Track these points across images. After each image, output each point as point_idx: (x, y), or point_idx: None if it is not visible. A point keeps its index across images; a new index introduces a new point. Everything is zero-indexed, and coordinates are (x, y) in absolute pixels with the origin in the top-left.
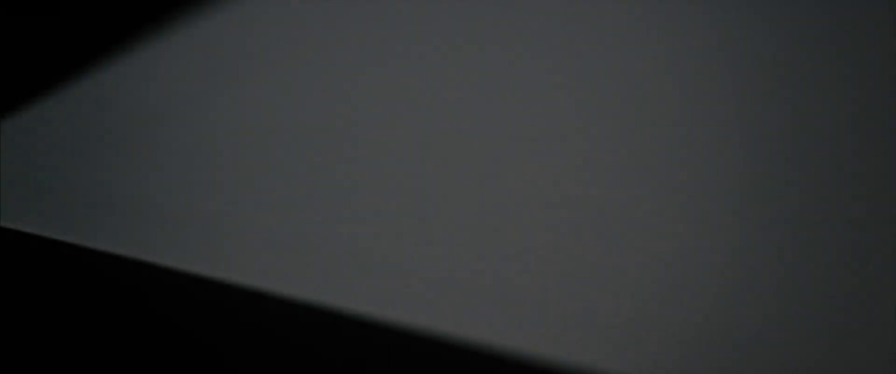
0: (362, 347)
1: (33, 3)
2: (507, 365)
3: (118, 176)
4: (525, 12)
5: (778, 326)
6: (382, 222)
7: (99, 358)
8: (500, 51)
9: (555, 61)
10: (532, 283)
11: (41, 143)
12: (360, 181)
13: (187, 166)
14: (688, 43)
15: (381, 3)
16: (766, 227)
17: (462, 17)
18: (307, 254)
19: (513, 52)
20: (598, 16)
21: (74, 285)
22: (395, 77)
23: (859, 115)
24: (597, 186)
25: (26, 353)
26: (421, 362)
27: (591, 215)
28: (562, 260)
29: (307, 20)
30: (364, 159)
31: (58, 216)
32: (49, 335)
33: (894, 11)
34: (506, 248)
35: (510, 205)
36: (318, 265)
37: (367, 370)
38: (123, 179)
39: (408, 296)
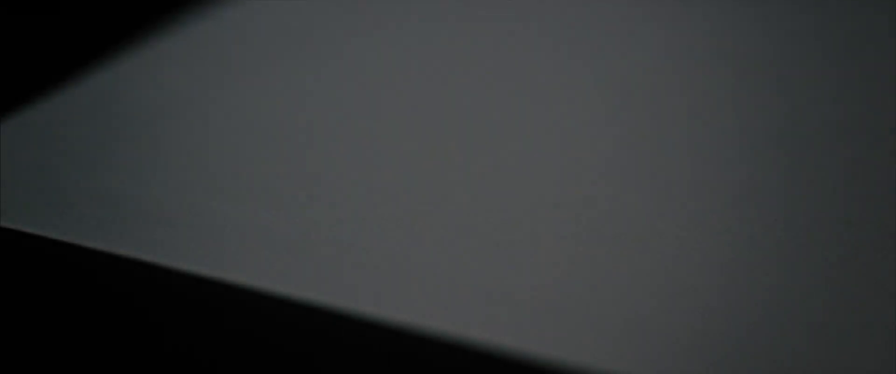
0: (362, 347)
1: (33, 3)
2: (507, 365)
3: (118, 176)
4: (525, 12)
5: (778, 326)
6: (382, 222)
7: (99, 358)
8: (500, 51)
9: (556, 62)
10: (532, 283)
11: (41, 143)
12: (360, 181)
13: (187, 166)
14: (689, 43)
15: (381, 3)
16: (767, 227)
17: (462, 18)
18: (307, 254)
19: (513, 53)
20: (598, 16)
21: (74, 285)
22: (396, 77)
23: (859, 115)
24: (597, 186)
25: (26, 353)
26: (421, 362)
27: (591, 215)
28: (562, 260)
29: (307, 20)
30: (364, 159)
31: (58, 216)
32: (49, 335)
33: (894, 11)
34: (506, 248)
35: (511, 205)
36: (318, 265)
37: (367, 370)
38: (123, 179)
39: (408, 296)
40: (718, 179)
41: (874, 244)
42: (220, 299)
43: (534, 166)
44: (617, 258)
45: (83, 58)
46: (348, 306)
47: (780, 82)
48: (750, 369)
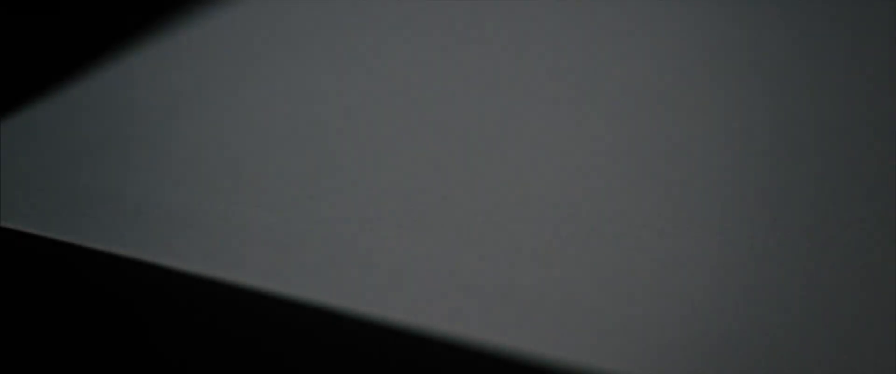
0: (362, 347)
1: (33, 3)
2: (508, 365)
3: (118, 176)
4: (525, 12)
5: (777, 326)
6: (382, 222)
7: (99, 358)
8: (501, 51)
9: (556, 62)
10: (532, 283)
11: (41, 143)
12: (360, 181)
13: (187, 166)
14: (689, 44)
15: (381, 3)
16: (767, 227)
17: (463, 18)
18: (307, 254)
19: (514, 53)
20: (598, 16)
21: (74, 285)
22: (396, 77)
23: (859, 115)
24: (597, 186)
25: (26, 353)
26: (421, 362)
27: (592, 215)
28: (562, 260)
29: (307, 20)
30: (364, 159)
31: (58, 216)
32: (49, 335)
33: (894, 11)
34: (506, 248)
35: (511, 205)
36: (318, 265)
37: (367, 370)
38: (124, 179)
39: (408, 296)
40: (718, 180)
41: (874, 244)
42: (219, 299)
43: (534, 166)
44: (617, 258)
45: (83, 58)
46: (348, 306)
47: (779, 82)
48: (749, 369)
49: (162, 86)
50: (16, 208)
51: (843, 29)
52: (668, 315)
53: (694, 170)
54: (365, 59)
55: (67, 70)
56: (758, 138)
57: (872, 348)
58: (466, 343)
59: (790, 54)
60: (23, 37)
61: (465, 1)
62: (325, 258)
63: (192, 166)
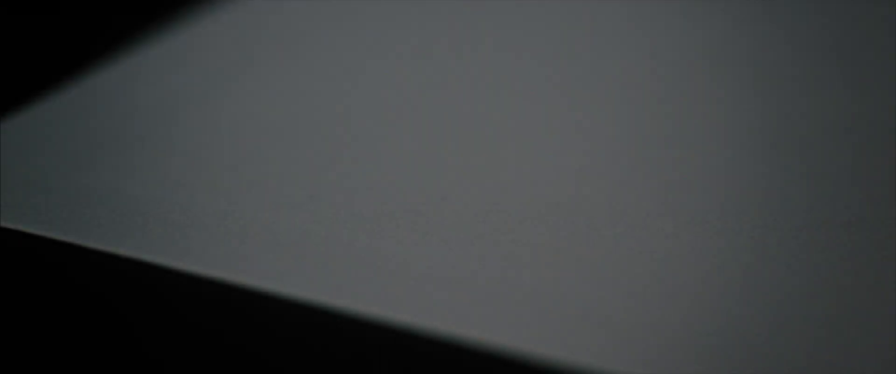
0: (362, 347)
1: (33, 3)
2: (507, 365)
3: (118, 176)
4: (525, 12)
5: (778, 326)
6: (382, 222)
7: (99, 358)
8: (500, 51)
9: (556, 61)
10: (532, 283)
11: (41, 143)
12: (360, 181)
13: (187, 166)
14: (689, 44)
15: (381, 3)
16: (767, 227)
17: (462, 18)
18: (307, 254)
19: (513, 53)
20: (598, 16)
21: (74, 285)
22: (396, 77)
23: (859, 115)
24: (597, 186)
25: (26, 353)
26: (421, 362)
27: (592, 215)
28: (562, 260)
29: (307, 20)
30: (364, 159)
31: (58, 216)
32: (49, 335)
33: (894, 11)
34: (506, 248)
35: (511, 205)
36: (318, 265)
37: (368, 370)
38: (123, 179)
39: (408, 296)
40: (718, 179)
41: (874, 244)
42: (219, 300)
43: (534, 166)
44: (617, 258)
45: (83, 58)
46: (348, 306)
47: (779, 82)
48: (750, 369)
49: (162, 86)
50: (16, 208)
51: (843, 29)
52: (669, 315)
53: (694, 169)
54: (364, 60)
55: (67, 70)
56: (758, 138)
57: (872, 348)
58: (466, 343)
59: (790, 54)
60: (23, 37)
61: (466, 1)
62: (325, 258)
63: (192, 166)
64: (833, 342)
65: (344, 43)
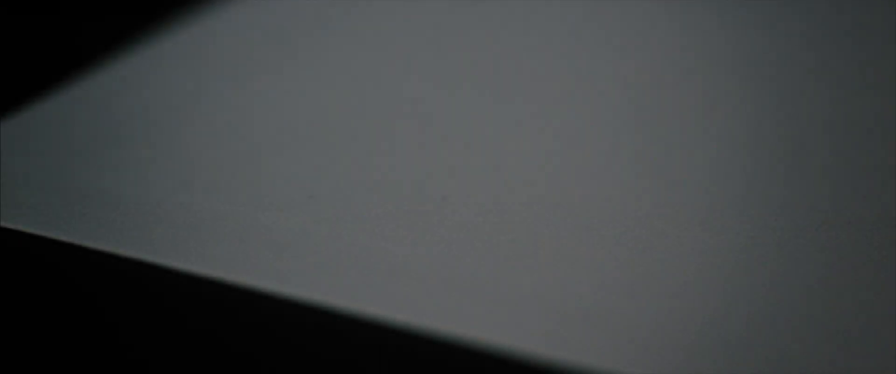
0: (362, 347)
1: (33, 3)
2: (508, 365)
3: (118, 176)
4: (525, 12)
5: (778, 326)
6: (382, 222)
7: (99, 358)
8: (500, 51)
9: (556, 61)
10: (532, 283)
11: (41, 143)
12: (360, 181)
13: (187, 166)
14: (689, 44)
15: (381, 3)
16: (767, 227)
17: (462, 18)
18: (307, 254)
19: (514, 53)
20: (598, 16)
21: (74, 285)
22: (396, 76)
23: (859, 115)
24: (597, 186)
25: (26, 353)
26: (420, 362)
27: (592, 215)
28: (562, 261)
29: (307, 20)
30: (364, 159)
31: (58, 216)
32: (49, 335)
33: (894, 11)
34: (506, 248)
35: (511, 205)
36: (318, 265)
37: (367, 370)
38: (123, 179)
39: (408, 296)
40: (718, 180)
41: (874, 244)
42: (219, 299)
43: (534, 166)
44: (617, 258)
45: (83, 58)
46: (348, 306)
47: (779, 82)
48: (750, 369)
49: (162, 86)
50: (16, 208)
51: (843, 29)
52: (669, 315)
53: (694, 169)
54: (364, 59)
55: (67, 70)
56: (758, 138)
57: (872, 348)
58: (466, 343)
59: (790, 54)
60: (23, 37)
61: (466, 1)
62: (325, 258)
63: (192, 166)
64: (833, 342)
65: (344, 43)
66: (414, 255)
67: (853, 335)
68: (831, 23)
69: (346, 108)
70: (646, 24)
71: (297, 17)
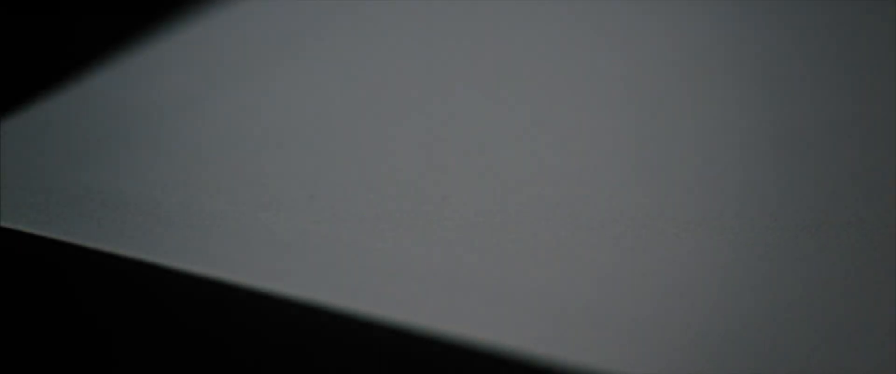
0: (362, 347)
1: (33, 3)
2: (508, 365)
3: (118, 176)
4: (526, 12)
5: (778, 326)
6: (382, 221)
7: (99, 358)
8: (501, 51)
9: (557, 61)
10: (532, 283)
11: (41, 143)
12: (360, 181)
13: (187, 166)
14: (689, 44)
15: (381, 3)
16: (767, 227)
17: (462, 17)
18: (307, 254)
19: (514, 52)
20: (598, 16)
21: (74, 285)
22: (396, 76)
23: (859, 115)
24: (597, 186)
25: (26, 353)
26: (421, 362)
27: (592, 215)
28: (562, 260)
29: (306, 20)
30: (364, 159)
31: (58, 216)
32: (49, 335)
33: (894, 11)
34: (506, 248)
35: (511, 205)
36: (318, 265)
37: (367, 370)
38: (123, 179)
39: (408, 296)
40: (718, 180)
41: (874, 244)
42: (219, 299)
43: (534, 166)
44: (617, 258)
45: (83, 58)
46: (348, 306)
47: (780, 82)
48: (749, 369)
49: (162, 86)
50: (16, 208)
51: (844, 29)
52: (669, 315)
53: (694, 170)
54: (365, 59)
55: (67, 70)
56: (758, 138)
57: (872, 348)
58: (466, 343)
59: (790, 54)
60: (23, 37)
61: (466, 1)
62: (325, 258)
63: (192, 166)
64: (833, 342)
65: (344, 43)
66: (414, 255)
67: (853, 335)
68: (831, 23)
69: (346, 108)
70: (646, 24)
71: (297, 17)
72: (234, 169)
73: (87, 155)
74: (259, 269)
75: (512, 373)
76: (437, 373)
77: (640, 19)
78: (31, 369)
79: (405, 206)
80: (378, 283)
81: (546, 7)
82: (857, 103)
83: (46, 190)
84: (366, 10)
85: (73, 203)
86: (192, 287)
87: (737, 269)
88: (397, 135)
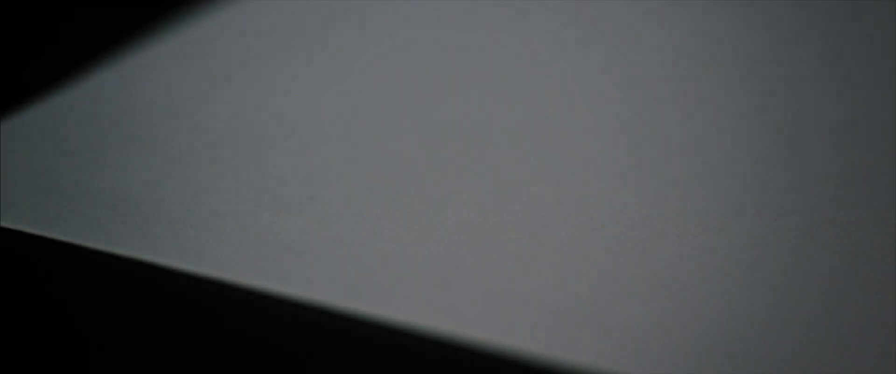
0: (362, 347)
1: (33, 3)
2: (508, 365)
3: (118, 176)
4: (525, 12)
5: (778, 326)
6: (382, 221)
7: (99, 358)
8: (501, 50)
9: (557, 61)
10: (532, 283)
11: (41, 143)
12: (360, 181)
13: (187, 166)
14: (689, 44)
15: (381, 3)
16: (767, 227)
17: (462, 17)
18: (307, 254)
19: (514, 52)
20: (598, 16)
21: (74, 285)
22: (396, 76)
23: (859, 115)
24: (597, 186)
25: (26, 353)
26: (421, 362)
27: (592, 215)
28: (562, 260)
29: (306, 20)
30: (364, 159)
31: (58, 216)
32: (49, 335)
33: (894, 11)
34: (506, 248)
35: (511, 205)
36: (318, 265)
37: (368, 370)
38: (123, 179)
39: (408, 296)
40: (718, 179)
41: (874, 244)
42: (219, 299)
43: (534, 166)
44: (617, 258)
45: (83, 58)
46: (348, 306)
47: (780, 82)
48: (749, 369)
49: (162, 86)
50: (16, 208)
51: (843, 29)
52: (669, 315)
53: (694, 169)
54: (365, 59)
55: (67, 70)
56: (758, 138)
57: (872, 348)
58: (466, 343)
59: (790, 54)
60: (23, 37)
61: (466, 1)
62: (325, 258)
63: (192, 166)
64: (833, 342)
65: (344, 43)
66: (414, 255)
67: (854, 336)
68: (832, 23)
69: (346, 108)
70: (647, 24)
71: (297, 17)
72: (234, 169)
73: (87, 155)
74: (259, 269)
75: (512, 373)
76: (437, 373)
77: (641, 19)
78: (31, 369)
79: (405, 206)
80: (378, 283)
81: (546, 7)
82: (857, 103)
83: (46, 190)
84: (366, 10)
85: (73, 203)
86: (193, 287)
87: (736, 269)
88: (397, 135)
